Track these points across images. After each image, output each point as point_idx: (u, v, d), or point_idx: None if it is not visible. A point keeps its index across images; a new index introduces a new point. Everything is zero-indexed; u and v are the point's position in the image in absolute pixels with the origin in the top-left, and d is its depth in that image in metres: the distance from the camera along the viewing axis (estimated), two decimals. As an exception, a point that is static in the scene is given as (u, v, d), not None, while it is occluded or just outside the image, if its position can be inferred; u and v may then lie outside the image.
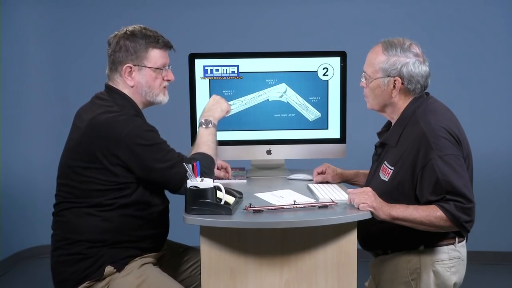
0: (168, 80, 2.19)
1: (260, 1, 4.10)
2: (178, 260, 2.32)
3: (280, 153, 2.68)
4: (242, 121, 2.63)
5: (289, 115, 2.64)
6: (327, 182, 2.44)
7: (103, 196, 2.02)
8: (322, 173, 2.46)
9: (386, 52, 2.10)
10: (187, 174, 1.92)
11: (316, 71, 2.62)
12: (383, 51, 2.11)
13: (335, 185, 2.38)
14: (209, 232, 1.94)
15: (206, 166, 2.09)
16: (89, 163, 2.01)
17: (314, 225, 1.91)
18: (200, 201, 1.88)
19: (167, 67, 2.18)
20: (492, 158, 3.99)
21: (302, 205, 1.98)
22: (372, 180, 2.19)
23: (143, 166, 2.01)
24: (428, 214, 1.95)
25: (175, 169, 2.02)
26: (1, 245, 3.91)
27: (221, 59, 2.60)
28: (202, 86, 2.61)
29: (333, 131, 2.65)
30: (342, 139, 2.66)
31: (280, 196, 2.16)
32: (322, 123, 2.65)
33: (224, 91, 2.61)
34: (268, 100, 2.63)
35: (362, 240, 2.19)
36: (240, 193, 2.10)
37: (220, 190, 1.94)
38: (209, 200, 1.89)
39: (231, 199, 1.98)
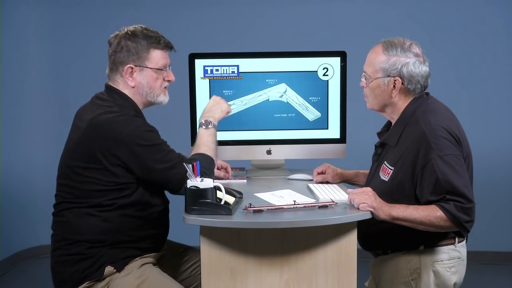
0: (168, 81, 2.19)
1: (260, 1, 4.10)
2: (178, 260, 2.32)
3: (280, 153, 2.68)
4: (242, 121, 2.63)
5: (289, 115, 2.64)
6: (327, 182, 2.44)
7: (103, 196, 2.02)
8: (322, 173, 2.46)
9: (386, 52, 2.10)
10: (187, 174, 1.92)
11: (316, 71, 2.62)
12: (384, 51, 2.11)
13: (335, 185, 2.38)
14: (209, 232, 1.94)
15: (206, 167, 2.09)
16: (89, 164, 2.01)
17: (314, 225, 1.91)
18: (200, 201, 1.88)
19: (167, 68, 2.18)
20: (492, 158, 3.99)
21: (302, 205, 1.98)
22: (372, 180, 2.19)
23: (143, 167, 2.01)
24: (428, 214, 1.95)
25: (175, 169, 2.02)
26: (1, 245, 3.91)
27: (221, 59, 2.60)
28: (202, 86, 2.61)
29: (333, 131, 2.65)
30: (342, 139, 2.66)
31: (280, 196, 2.16)
32: (322, 123, 2.65)
33: (224, 91, 2.61)
34: (268, 100, 2.63)
35: (362, 240, 2.19)
36: (240, 193, 2.10)
37: (220, 190, 1.94)
38: (209, 200, 1.89)
39: (231, 199, 1.98)
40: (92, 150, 2.00)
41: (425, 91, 2.16)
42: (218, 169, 2.50)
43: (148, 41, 2.12)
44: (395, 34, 2.16)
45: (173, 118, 3.63)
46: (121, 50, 2.10)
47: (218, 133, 2.28)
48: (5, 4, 3.93)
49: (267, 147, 2.67)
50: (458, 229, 1.99)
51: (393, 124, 2.18)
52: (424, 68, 2.10)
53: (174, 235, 2.34)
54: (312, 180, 2.48)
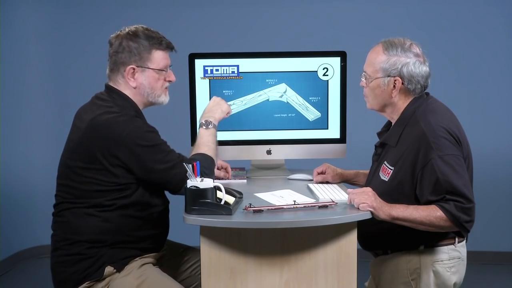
0: (169, 81, 2.19)
1: (260, 1, 4.10)
2: (178, 260, 2.32)
3: (280, 153, 2.68)
4: (242, 121, 2.63)
5: (289, 115, 2.64)
6: (327, 182, 2.44)
7: (103, 196, 2.02)
8: (322, 173, 2.46)
9: (386, 52, 2.10)
10: (187, 174, 1.92)
11: (316, 71, 2.62)
12: (384, 51, 2.11)
13: (335, 185, 2.38)
14: (209, 232, 1.94)
15: (206, 167, 2.09)
16: (89, 164, 2.01)
17: (314, 225, 1.91)
18: (200, 201, 1.88)
19: (168, 68, 2.18)
20: (492, 158, 3.99)
21: (302, 205, 1.98)
22: (372, 180, 2.19)
23: (143, 167, 2.01)
24: (428, 214, 1.95)
25: (175, 170, 2.02)
26: (1, 245, 3.91)
27: (221, 59, 2.60)
28: (202, 86, 2.61)
29: (333, 131, 2.65)
30: (342, 139, 2.66)
31: (280, 196, 2.16)
32: (322, 123, 2.65)
33: (224, 91, 2.61)
34: (268, 100, 2.63)
35: (362, 240, 2.19)
36: (240, 193, 2.10)
37: (220, 190, 1.94)
38: (209, 200, 1.89)
39: (231, 199, 1.98)
40: (92, 150, 2.00)
41: (425, 91, 2.16)
42: (218, 169, 2.50)
43: (150, 41, 2.11)
44: (395, 34, 2.16)
45: (173, 118, 3.63)
46: (123, 51, 2.10)
47: (218, 133, 2.28)
48: (5, 4, 3.93)
49: (267, 147, 2.67)
50: (458, 229, 1.99)
51: (393, 124, 2.18)
52: (424, 68, 2.10)
53: (174, 235, 2.34)
54: (312, 180, 2.48)
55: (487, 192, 3.88)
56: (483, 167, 3.48)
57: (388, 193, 2.03)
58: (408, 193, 2.04)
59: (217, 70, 2.61)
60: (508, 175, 4.04)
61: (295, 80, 2.62)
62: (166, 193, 2.16)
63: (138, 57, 2.10)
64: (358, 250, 1.99)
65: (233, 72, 2.61)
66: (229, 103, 2.45)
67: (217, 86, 2.61)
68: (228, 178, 2.53)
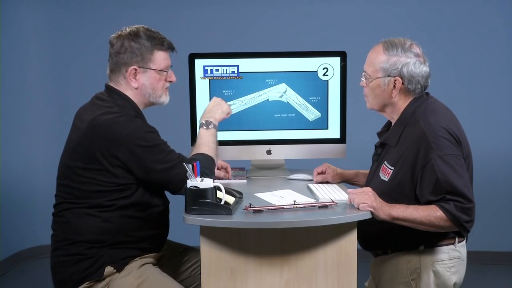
0: (170, 81, 2.19)
1: (260, 1, 4.10)
2: (178, 260, 2.32)
3: (280, 153, 2.68)
4: (242, 121, 2.63)
5: (289, 115, 2.64)
6: (327, 182, 2.44)
7: (103, 197, 2.02)
8: (322, 173, 2.46)
9: (387, 52, 2.10)
10: (187, 174, 1.92)
11: (316, 71, 2.62)
12: (384, 51, 2.11)
13: (335, 185, 2.38)
14: (209, 232, 1.94)
15: (207, 167, 2.09)
16: (89, 164, 2.01)
17: (314, 225, 1.91)
18: (200, 201, 1.88)
19: (169, 69, 2.18)
20: (492, 158, 3.99)
21: (302, 205, 1.98)
22: (372, 180, 2.19)
23: (143, 167, 2.01)
24: (428, 214, 1.95)
25: (176, 170, 2.02)
26: (1, 245, 3.91)
27: (221, 59, 2.60)
28: (202, 86, 2.61)
29: (333, 131, 2.65)
30: (342, 139, 2.66)
31: (280, 196, 2.16)
32: (322, 123, 2.65)
33: (224, 91, 2.61)
34: (268, 100, 2.63)
35: (362, 240, 2.19)
36: (240, 193, 2.10)
37: (220, 190, 1.94)
38: (209, 200, 1.89)
39: (231, 199, 1.98)
40: (92, 150, 2.00)
41: (425, 91, 2.16)
42: (218, 169, 2.50)
43: (152, 42, 2.11)
44: (395, 34, 2.16)
45: (173, 118, 3.63)
46: (125, 52, 2.09)
47: (218, 133, 2.28)
48: (5, 4, 3.93)
49: (267, 147, 2.67)
50: (458, 229, 1.99)
51: (393, 124, 2.18)
52: (424, 69, 2.10)
53: (174, 235, 2.34)
54: (312, 180, 2.48)
55: (487, 192, 3.88)
56: (483, 167, 3.49)
57: (388, 193, 2.03)
58: (408, 193, 2.04)
59: (217, 70, 2.61)
60: (508, 175, 4.04)
61: (295, 80, 2.62)
62: (166, 193, 2.16)
63: (140, 58, 2.10)
64: (358, 250, 1.99)
65: (233, 72, 2.61)
66: (229, 103, 2.45)
67: (217, 86, 2.61)
68: (228, 178, 2.53)
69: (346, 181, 2.49)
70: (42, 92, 4.18)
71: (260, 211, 1.93)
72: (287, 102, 2.63)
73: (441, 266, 2.09)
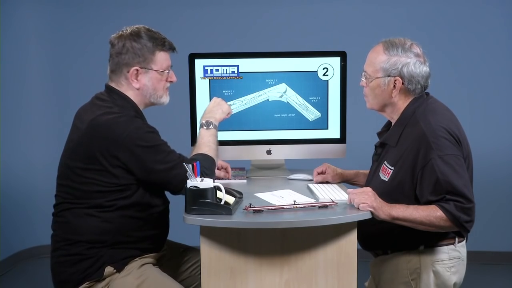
0: (171, 81, 2.19)
1: (260, 1, 4.10)
2: (178, 260, 2.32)
3: (280, 153, 2.68)
4: (242, 121, 2.63)
5: (289, 115, 2.64)
6: (327, 182, 2.44)
7: (104, 197, 2.02)
8: (322, 173, 2.46)
9: (387, 52, 2.10)
10: (187, 174, 1.92)
11: (316, 71, 2.62)
12: (384, 51, 2.11)
13: (335, 185, 2.38)
14: (209, 232, 1.94)
15: (207, 167, 2.09)
16: (89, 164, 2.01)
17: (314, 225, 1.91)
18: (200, 201, 1.88)
19: (170, 69, 2.18)
20: (492, 158, 3.99)
21: (302, 205, 1.98)
22: (372, 180, 2.19)
23: (143, 168, 2.01)
24: (428, 214, 1.95)
25: (176, 170, 2.02)
26: (1, 245, 3.91)
27: (221, 59, 2.60)
28: (202, 86, 2.61)
29: (333, 131, 2.65)
30: (342, 139, 2.66)
31: (280, 196, 2.16)
32: (322, 123, 2.65)
33: (224, 91, 2.61)
34: (268, 100, 2.63)
35: (362, 240, 2.19)
36: (240, 193, 2.10)
37: (220, 190, 1.94)
38: (209, 200, 1.89)
39: (231, 199, 1.98)
40: (92, 151, 2.00)
41: (425, 91, 2.16)
42: (218, 169, 2.50)
43: (154, 43, 2.11)
44: (395, 34, 2.16)
45: (173, 118, 3.63)
46: (127, 52, 2.09)
47: (218, 133, 2.28)
48: (5, 4, 3.93)
49: (267, 147, 2.67)
50: (458, 229, 1.99)
51: (393, 124, 2.18)
52: (424, 69, 2.10)
53: (174, 235, 2.34)
54: (312, 180, 2.48)
55: (487, 192, 3.88)
56: (483, 167, 3.49)
57: (388, 193, 2.03)
58: (408, 193, 2.04)
59: (217, 70, 2.61)
60: (508, 175, 4.04)
61: (295, 80, 2.62)
62: (166, 193, 2.16)
63: (142, 59, 2.10)
64: (358, 250, 1.99)
65: (233, 72, 2.61)
66: (229, 103, 2.46)
67: (217, 86, 2.61)
68: (228, 178, 2.53)
69: (346, 181, 2.49)
70: (42, 92, 4.18)
71: (260, 211, 1.93)
72: (287, 102, 2.63)
73: (441, 266, 2.09)
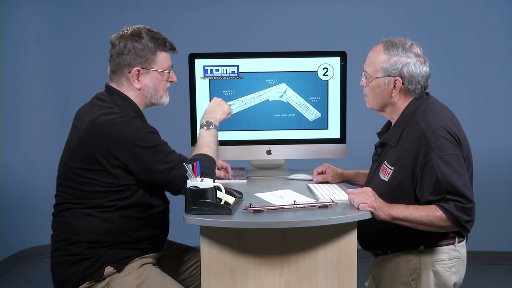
0: (171, 82, 2.19)
1: (260, 1, 4.10)
2: (178, 260, 2.32)
3: (280, 153, 2.68)
4: (242, 121, 2.63)
5: (289, 115, 2.64)
6: (327, 182, 2.44)
7: (104, 197, 2.02)
8: (322, 173, 2.46)
9: (387, 52, 2.10)
10: (187, 174, 1.92)
11: (316, 71, 2.62)
12: (384, 51, 2.11)
13: (335, 185, 2.38)
14: (209, 232, 1.94)
15: (207, 167, 2.09)
16: (89, 165, 2.01)
17: (314, 225, 1.91)
18: (200, 201, 1.88)
19: (170, 69, 2.18)
20: (492, 158, 3.99)
21: (302, 205, 1.98)
22: (372, 180, 2.19)
23: (143, 168, 2.01)
24: (428, 214, 1.95)
25: (176, 170, 2.02)
26: (1, 245, 3.91)
27: (221, 59, 2.60)
28: (202, 86, 2.61)
29: (333, 131, 2.65)
30: (342, 139, 2.66)
31: (280, 196, 2.16)
32: (322, 123, 2.65)
33: (224, 91, 2.61)
34: (268, 100, 2.63)
35: (362, 240, 2.19)
36: (240, 193, 2.10)
37: (220, 190, 1.94)
38: (209, 200, 1.89)
39: (231, 199, 1.98)
40: (92, 151, 1.99)
41: (425, 91, 2.16)
42: (218, 169, 2.50)
43: (155, 43, 2.10)
44: (395, 34, 2.16)
45: (173, 118, 3.63)
46: (128, 53, 2.08)
47: (218, 133, 2.28)
48: (5, 4, 3.93)
49: (267, 147, 2.67)
50: (458, 229, 1.99)
51: (393, 124, 2.18)
52: (424, 69, 2.10)
53: (174, 235, 2.34)
54: (312, 180, 2.48)
55: (487, 192, 3.88)
56: (483, 167, 3.49)
57: (388, 193, 2.03)
58: (408, 193, 2.04)
59: (217, 70, 2.61)
60: (508, 175, 4.04)
61: (295, 80, 2.62)
62: (167, 193, 2.16)
63: (144, 59, 2.09)
64: (358, 250, 1.99)
65: (233, 72, 2.61)
66: (229, 103, 2.46)
67: (217, 86, 2.61)
68: (228, 178, 2.53)
69: (346, 181, 2.49)
70: (42, 92, 4.18)
71: (260, 211, 1.93)
72: (287, 102, 2.63)
73: (441, 266, 2.09)
